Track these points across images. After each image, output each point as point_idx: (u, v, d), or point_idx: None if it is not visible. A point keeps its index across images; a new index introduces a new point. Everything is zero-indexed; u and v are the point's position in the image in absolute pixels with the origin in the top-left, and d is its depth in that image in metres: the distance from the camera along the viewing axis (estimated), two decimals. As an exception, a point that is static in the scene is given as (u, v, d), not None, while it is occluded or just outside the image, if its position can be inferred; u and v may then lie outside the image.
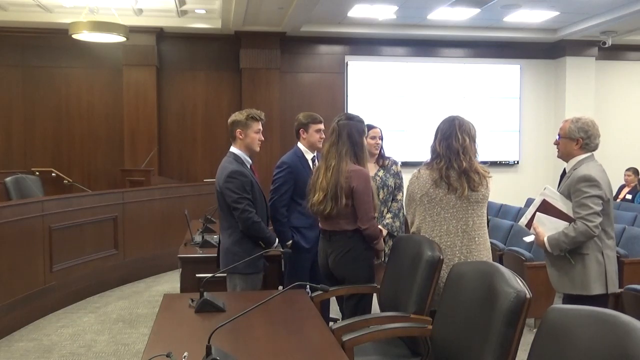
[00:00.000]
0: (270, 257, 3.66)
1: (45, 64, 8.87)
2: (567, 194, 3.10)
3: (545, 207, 3.15)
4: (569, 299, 3.14)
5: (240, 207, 3.32)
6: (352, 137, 3.23)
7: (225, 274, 3.38)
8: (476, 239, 3.01)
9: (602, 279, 3.06)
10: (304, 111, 4.02)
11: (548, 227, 3.12)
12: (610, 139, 10.01)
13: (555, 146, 3.25)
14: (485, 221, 3.08)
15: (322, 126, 3.83)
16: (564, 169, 3.27)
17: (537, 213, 3.18)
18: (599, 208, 2.99)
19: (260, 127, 3.50)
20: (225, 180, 3.36)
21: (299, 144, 3.87)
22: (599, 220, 2.98)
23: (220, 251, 3.52)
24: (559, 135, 3.21)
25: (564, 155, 3.21)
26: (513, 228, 5.75)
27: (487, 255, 3.05)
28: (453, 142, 3.00)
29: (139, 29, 8.29)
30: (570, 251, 3.06)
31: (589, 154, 3.14)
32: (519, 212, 6.57)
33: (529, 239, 3.36)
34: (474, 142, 3.06)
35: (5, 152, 8.81)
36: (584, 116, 3.19)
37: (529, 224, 3.22)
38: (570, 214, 3.06)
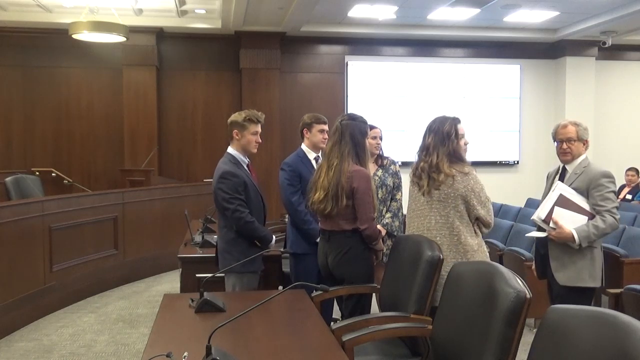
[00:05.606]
0: (270, 257, 3.66)
1: (45, 64, 8.87)
2: (585, 189, 3.20)
3: (563, 202, 3.20)
4: (567, 291, 3.20)
5: (232, 207, 3.33)
6: (354, 137, 3.24)
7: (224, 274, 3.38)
8: (437, 238, 3.02)
9: (600, 272, 3.22)
10: (304, 111, 4.07)
11: (567, 221, 3.16)
12: (610, 139, 10.05)
13: (561, 150, 3.31)
14: (452, 221, 3.00)
15: (325, 127, 3.83)
16: (560, 168, 3.39)
17: (556, 207, 3.19)
18: (617, 203, 3.19)
19: (259, 129, 3.49)
20: (218, 181, 3.39)
21: (302, 145, 3.89)
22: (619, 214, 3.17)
23: (218, 251, 3.54)
24: (570, 139, 3.28)
25: (575, 157, 3.31)
26: (513, 228, 5.75)
27: (451, 257, 2.97)
28: (423, 141, 3.16)
29: (139, 29, 8.29)
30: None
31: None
32: (519, 212, 6.57)
33: (538, 234, 3.33)
34: (449, 140, 3.07)
35: (5, 152, 8.81)
36: (574, 119, 3.39)
37: (548, 218, 3.21)
38: (587, 208, 3.16)
